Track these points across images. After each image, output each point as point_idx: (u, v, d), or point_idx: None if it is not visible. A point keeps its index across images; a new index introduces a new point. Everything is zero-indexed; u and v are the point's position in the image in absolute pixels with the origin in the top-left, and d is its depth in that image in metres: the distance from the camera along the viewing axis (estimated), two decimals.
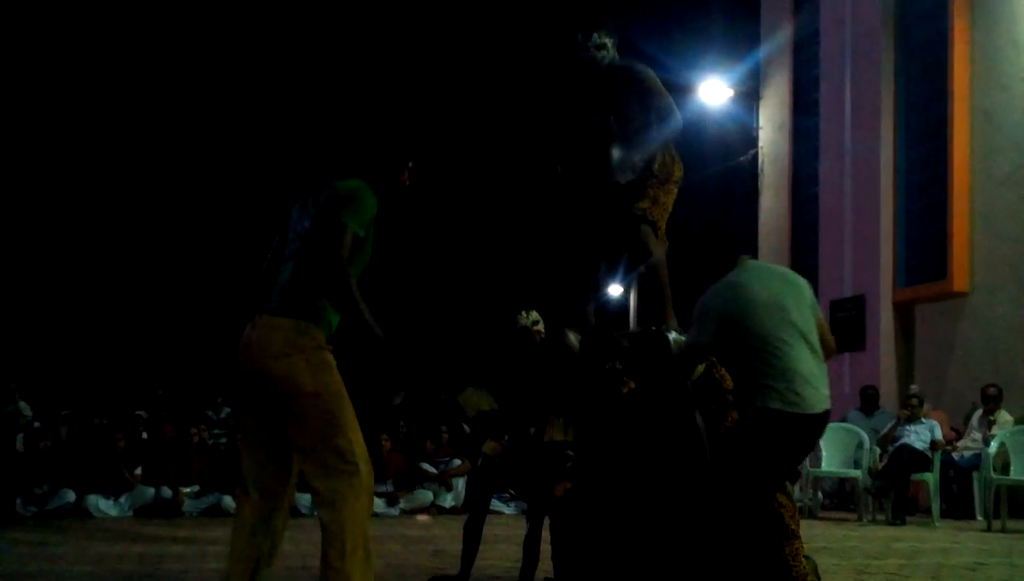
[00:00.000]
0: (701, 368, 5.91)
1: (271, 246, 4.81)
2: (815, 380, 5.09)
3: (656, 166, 6.17)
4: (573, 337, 6.03)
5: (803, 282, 5.44)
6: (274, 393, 4.42)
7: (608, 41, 6.24)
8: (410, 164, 4.87)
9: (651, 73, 6.34)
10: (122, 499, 11.57)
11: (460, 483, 12.77)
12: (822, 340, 5.28)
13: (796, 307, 5.22)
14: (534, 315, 6.72)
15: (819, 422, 5.13)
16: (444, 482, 12.80)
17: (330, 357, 4.49)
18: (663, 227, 6.32)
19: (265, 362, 4.42)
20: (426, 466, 13.00)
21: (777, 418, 5.01)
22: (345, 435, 4.40)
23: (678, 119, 6.31)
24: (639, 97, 6.27)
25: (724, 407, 5.94)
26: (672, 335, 5.95)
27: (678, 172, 6.36)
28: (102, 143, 20.81)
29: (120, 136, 20.92)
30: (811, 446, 5.29)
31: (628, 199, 6.23)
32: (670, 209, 6.37)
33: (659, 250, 6.25)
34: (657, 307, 6.26)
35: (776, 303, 5.19)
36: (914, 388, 13.44)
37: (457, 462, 12.93)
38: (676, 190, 6.39)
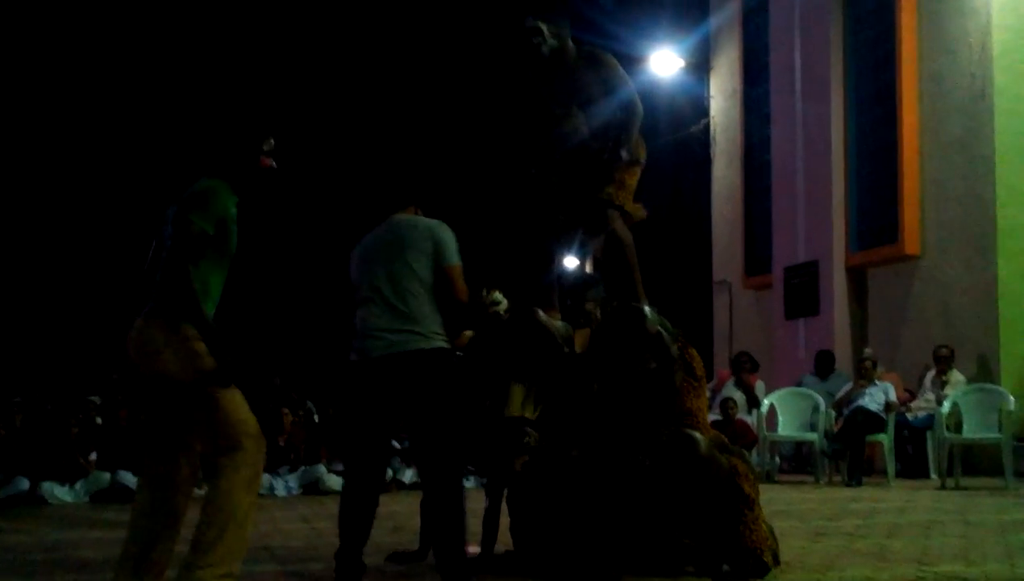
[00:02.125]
0: (675, 347, 5.95)
1: (149, 250, 4.97)
2: (383, 331, 5.27)
3: (626, 155, 6.20)
4: (544, 316, 6.05)
5: (417, 232, 5.43)
6: (157, 387, 4.73)
7: (545, 27, 6.20)
8: (266, 148, 4.95)
9: (612, 58, 6.36)
10: (77, 485, 11.46)
11: None
12: (446, 289, 5.36)
13: (387, 259, 5.37)
14: (496, 294, 6.70)
15: (377, 366, 5.27)
16: (405, 458, 12.77)
17: (199, 345, 4.67)
18: (629, 207, 6.35)
19: (143, 362, 4.72)
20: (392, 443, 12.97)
21: (349, 369, 5.38)
22: (226, 414, 4.66)
23: (639, 106, 6.34)
24: (602, 82, 6.29)
25: (696, 385, 5.98)
26: (649, 311, 5.98)
27: (642, 154, 6.40)
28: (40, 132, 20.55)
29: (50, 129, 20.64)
30: (379, 389, 5.33)
31: (595, 182, 6.26)
32: (634, 189, 6.41)
33: (627, 234, 6.30)
34: (627, 288, 6.28)
35: (366, 256, 5.46)
36: (868, 351, 13.56)
37: None
38: (639, 171, 6.43)
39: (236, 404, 4.72)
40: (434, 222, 5.52)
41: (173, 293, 4.67)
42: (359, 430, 5.49)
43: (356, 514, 5.47)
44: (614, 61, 6.38)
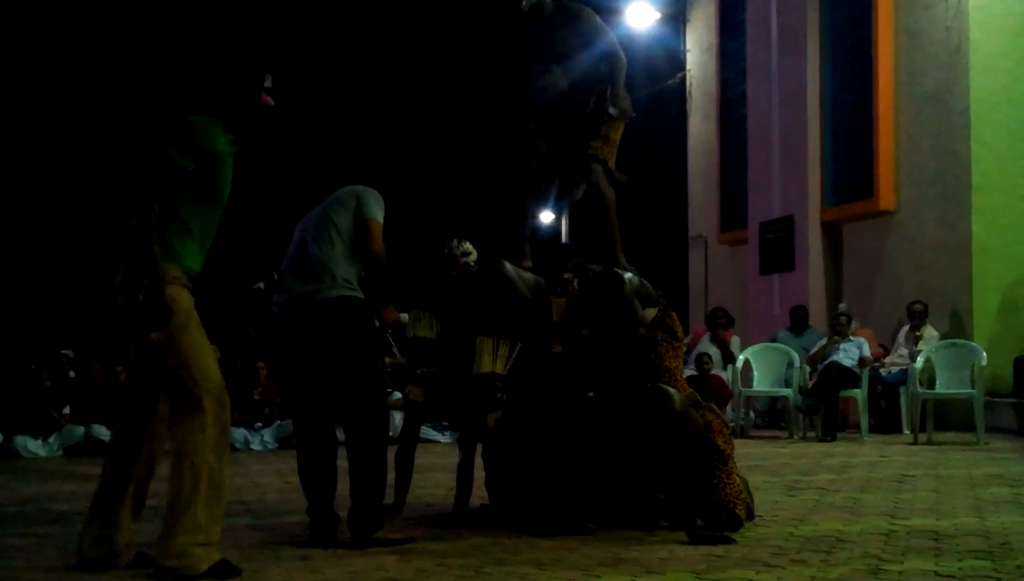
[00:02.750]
0: (654, 311, 5.97)
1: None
2: (292, 284, 5.44)
3: (615, 111, 6.18)
4: (511, 268, 6.04)
5: (345, 192, 5.59)
6: (133, 338, 4.69)
7: None
8: (265, 84, 4.85)
9: (590, 11, 6.33)
10: (51, 439, 11.43)
11: (397, 416, 12.71)
12: (364, 240, 5.43)
13: (315, 218, 5.56)
14: (466, 245, 6.69)
15: (282, 318, 5.47)
16: None
17: (176, 290, 4.56)
18: (614, 163, 6.35)
19: (123, 312, 4.62)
20: None
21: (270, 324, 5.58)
22: (189, 370, 4.54)
23: (622, 58, 6.32)
24: (579, 35, 6.27)
25: (677, 345, 5.99)
26: (627, 275, 5.98)
27: (628, 109, 6.38)
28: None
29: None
30: (288, 340, 5.50)
31: (579, 136, 6.25)
32: (618, 144, 6.40)
33: (610, 190, 6.30)
34: (606, 246, 6.29)
35: (302, 224, 5.66)
36: (842, 306, 13.61)
37: (397, 394, 12.88)
38: (623, 126, 6.42)
39: (199, 355, 4.59)
40: (364, 186, 5.63)
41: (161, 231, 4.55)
42: (289, 384, 5.58)
43: (313, 468, 5.51)
44: (591, 13, 6.35)
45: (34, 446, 11.31)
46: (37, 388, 11.74)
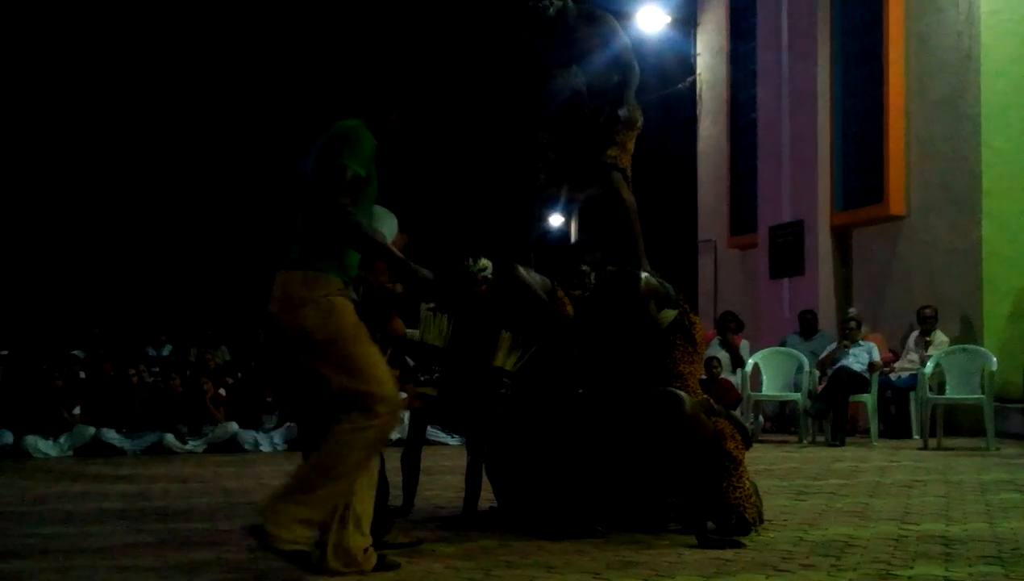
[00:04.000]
0: (673, 314, 5.97)
1: (286, 198, 4.82)
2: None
3: (624, 113, 6.21)
4: (523, 271, 6.07)
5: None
6: (295, 343, 4.57)
7: None
8: (399, 103, 4.87)
9: (611, 16, 6.40)
10: (61, 439, 11.46)
11: (405, 416, 12.71)
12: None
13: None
14: (483, 261, 6.70)
15: None
16: None
17: (341, 301, 4.54)
18: (630, 172, 6.39)
19: (281, 316, 4.57)
20: None
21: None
22: (363, 378, 4.48)
23: (636, 67, 6.38)
24: (598, 36, 6.33)
25: (693, 351, 5.99)
26: (644, 275, 5.99)
27: (640, 118, 6.42)
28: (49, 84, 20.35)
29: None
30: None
31: (596, 145, 6.30)
32: (632, 153, 6.45)
33: (631, 197, 6.34)
34: (630, 253, 6.32)
35: None
36: (852, 311, 13.57)
37: (402, 395, 12.89)
38: (635, 135, 6.46)
39: (369, 364, 4.54)
40: None
41: (315, 240, 4.54)
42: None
43: None
44: (612, 19, 6.45)
45: (44, 446, 11.33)
46: (47, 388, 11.77)
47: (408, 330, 6.04)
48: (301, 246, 4.60)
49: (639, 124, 6.41)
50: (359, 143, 4.57)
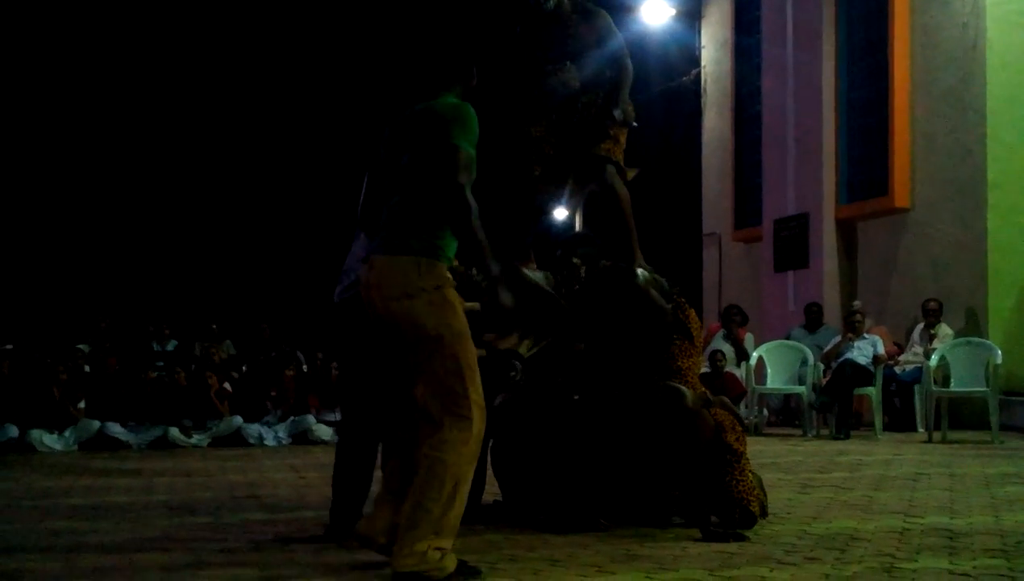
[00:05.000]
0: (669, 306, 5.98)
1: (364, 182, 4.63)
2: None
3: (619, 115, 6.21)
4: (529, 272, 6.09)
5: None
6: (397, 333, 4.33)
7: None
8: (476, 67, 4.69)
9: (605, 13, 6.40)
10: (66, 433, 11.47)
11: None
12: None
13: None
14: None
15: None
16: None
17: (452, 294, 4.35)
18: (622, 162, 6.40)
19: (386, 304, 4.31)
20: None
21: None
22: (463, 380, 4.30)
23: (629, 65, 6.38)
24: (593, 32, 6.33)
25: (690, 345, 5.99)
26: (640, 271, 5.99)
27: (632, 115, 6.42)
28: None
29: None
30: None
31: (589, 137, 6.29)
32: (624, 147, 6.45)
33: (624, 190, 6.33)
34: (623, 246, 6.31)
35: None
36: (857, 304, 13.57)
37: None
38: (627, 131, 6.47)
39: (472, 366, 4.35)
40: None
41: (421, 226, 4.32)
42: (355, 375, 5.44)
43: (354, 466, 5.42)
44: (606, 15, 6.44)
45: (49, 440, 11.34)
46: (53, 382, 11.79)
47: None
48: (404, 231, 4.35)
49: (629, 121, 6.41)
50: (467, 121, 4.36)
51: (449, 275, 4.36)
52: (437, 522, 4.22)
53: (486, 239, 4.33)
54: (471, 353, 4.35)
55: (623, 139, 6.41)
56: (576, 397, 5.91)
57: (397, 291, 4.28)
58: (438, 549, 4.22)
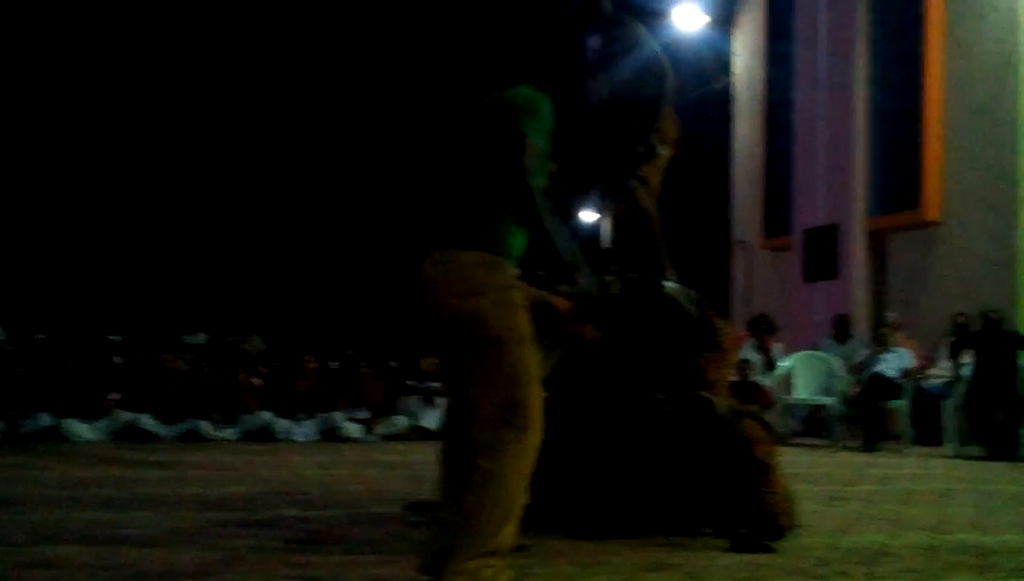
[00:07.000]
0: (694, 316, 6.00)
1: (428, 172, 4.44)
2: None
3: (648, 144, 6.20)
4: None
5: None
6: (458, 333, 4.09)
7: None
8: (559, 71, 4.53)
9: (639, 23, 6.40)
10: (99, 423, 11.59)
11: (443, 402, 12.73)
12: None
13: None
14: None
15: None
16: (427, 398, 12.87)
17: (519, 296, 4.11)
18: (657, 181, 6.38)
19: (449, 301, 4.06)
20: (410, 382, 13.10)
21: None
22: (522, 387, 4.06)
23: (671, 76, 6.34)
24: (631, 45, 6.31)
25: (720, 356, 6.00)
26: (669, 285, 6.01)
27: (676, 133, 6.41)
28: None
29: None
30: None
31: (619, 158, 6.28)
32: (664, 167, 6.43)
33: (650, 205, 6.31)
34: (652, 260, 6.32)
35: None
36: (891, 316, 13.53)
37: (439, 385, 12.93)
38: (672, 148, 6.45)
39: (533, 373, 4.11)
40: None
41: (488, 219, 4.09)
42: None
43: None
44: (639, 24, 6.43)
45: (83, 429, 11.47)
46: (86, 373, 11.92)
47: None
48: (470, 225, 4.12)
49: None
50: (540, 111, 4.14)
51: (515, 275, 4.15)
52: (489, 538, 4.01)
53: (559, 228, 4.14)
54: (533, 359, 4.13)
55: (662, 164, 6.40)
56: (607, 403, 5.93)
57: (465, 288, 4.05)
58: (490, 566, 4.03)
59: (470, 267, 4.05)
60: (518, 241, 4.15)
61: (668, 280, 6.15)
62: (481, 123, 4.25)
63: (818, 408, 13.71)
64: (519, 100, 4.19)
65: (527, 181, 4.01)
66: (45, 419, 11.42)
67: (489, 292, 4.04)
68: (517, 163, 4.02)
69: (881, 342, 12.37)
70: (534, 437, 4.11)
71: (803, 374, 12.86)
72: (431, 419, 12.71)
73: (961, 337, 12.62)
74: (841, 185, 15.80)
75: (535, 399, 4.10)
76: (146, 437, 11.55)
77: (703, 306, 6.12)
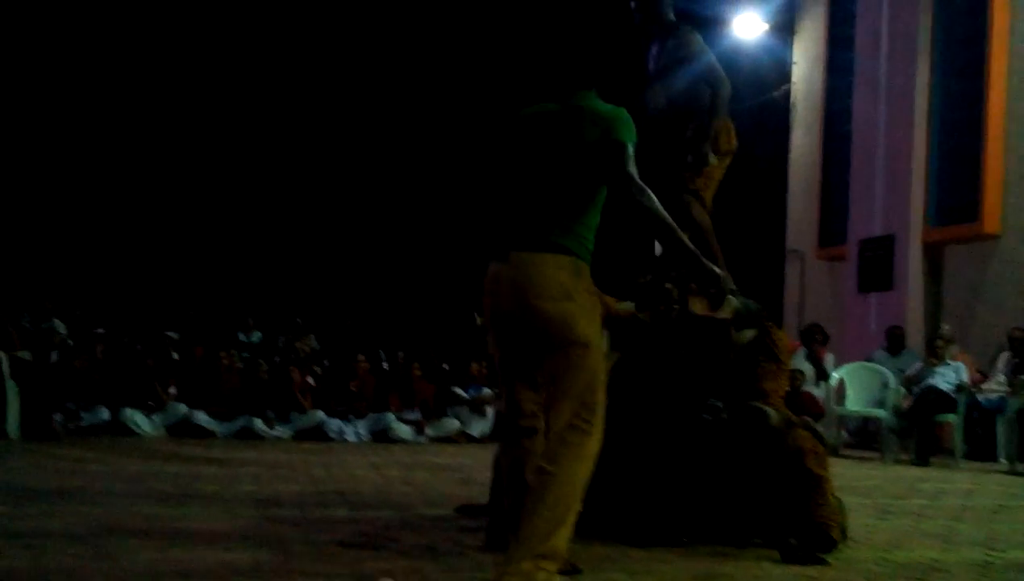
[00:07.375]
0: (752, 333, 5.98)
1: (490, 175, 4.46)
2: None
3: (701, 153, 6.22)
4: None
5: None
6: (542, 335, 4.12)
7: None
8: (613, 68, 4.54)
9: (695, 31, 6.42)
10: (156, 417, 11.77)
11: (491, 411, 12.81)
12: None
13: None
14: None
15: None
16: (476, 408, 12.92)
17: (597, 302, 4.23)
18: (710, 195, 6.40)
19: (539, 304, 4.09)
20: (458, 391, 13.14)
21: None
22: (595, 393, 4.16)
23: (726, 91, 6.34)
24: (687, 53, 6.33)
25: (776, 368, 6.00)
26: (734, 300, 6.01)
27: (733, 143, 6.41)
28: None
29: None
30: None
31: (672, 165, 6.32)
32: (719, 178, 6.44)
33: (704, 219, 6.33)
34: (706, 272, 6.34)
35: None
36: (946, 329, 13.39)
37: (487, 390, 13.00)
38: (729, 160, 6.46)
39: (604, 380, 4.21)
40: None
41: (575, 225, 4.15)
42: None
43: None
44: (696, 32, 6.45)
45: (141, 421, 11.66)
46: (143, 366, 12.11)
47: None
48: (554, 230, 4.15)
49: (732, 148, 6.39)
50: (629, 123, 4.21)
51: (591, 283, 4.20)
52: (544, 540, 4.03)
53: (675, 227, 4.25)
54: (604, 368, 4.22)
55: (718, 174, 6.41)
56: (662, 412, 5.95)
57: (556, 292, 4.09)
58: (542, 569, 4.02)
59: (561, 270, 4.11)
60: (592, 247, 4.21)
61: (728, 291, 6.16)
62: (559, 131, 4.26)
63: (869, 420, 13.62)
64: (607, 111, 4.24)
65: (631, 179, 4.11)
66: (104, 413, 11.61)
67: (577, 296, 4.09)
68: (621, 172, 4.12)
69: (935, 355, 12.27)
70: (595, 444, 4.17)
71: (855, 385, 12.79)
72: (479, 427, 12.77)
73: (1018, 353, 12.50)
74: (898, 195, 15.67)
75: (602, 406, 4.17)
76: (201, 433, 11.70)
77: (762, 316, 6.13)
